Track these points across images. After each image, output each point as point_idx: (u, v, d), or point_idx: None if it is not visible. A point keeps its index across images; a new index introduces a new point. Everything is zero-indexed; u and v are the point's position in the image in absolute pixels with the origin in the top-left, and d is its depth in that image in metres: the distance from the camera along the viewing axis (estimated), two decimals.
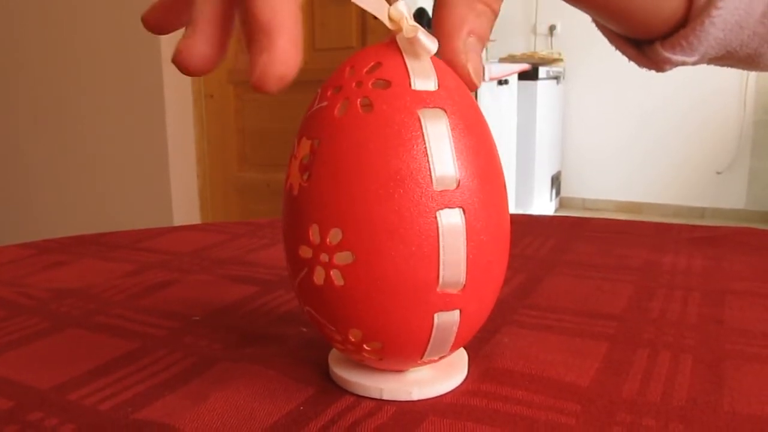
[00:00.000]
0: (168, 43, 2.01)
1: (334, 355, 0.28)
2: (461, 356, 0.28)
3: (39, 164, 2.44)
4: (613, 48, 0.39)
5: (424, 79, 0.23)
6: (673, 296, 0.37)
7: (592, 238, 0.51)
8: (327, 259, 0.23)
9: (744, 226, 0.54)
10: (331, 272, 0.23)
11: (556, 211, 3.83)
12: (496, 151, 0.25)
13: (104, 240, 0.52)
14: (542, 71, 3.24)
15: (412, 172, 0.22)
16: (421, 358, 0.25)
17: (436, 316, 0.23)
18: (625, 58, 0.39)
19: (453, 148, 0.23)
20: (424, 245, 0.22)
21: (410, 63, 0.23)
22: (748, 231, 0.52)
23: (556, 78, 3.57)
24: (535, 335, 0.32)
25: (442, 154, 0.22)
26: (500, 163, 0.25)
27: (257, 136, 2.37)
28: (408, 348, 0.24)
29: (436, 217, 0.22)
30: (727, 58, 0.36)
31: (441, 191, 0.22)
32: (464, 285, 0.23)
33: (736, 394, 0.26)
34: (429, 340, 0.24)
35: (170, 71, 2.17)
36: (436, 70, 0.23)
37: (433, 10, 0.25)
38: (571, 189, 3.95)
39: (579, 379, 0.27)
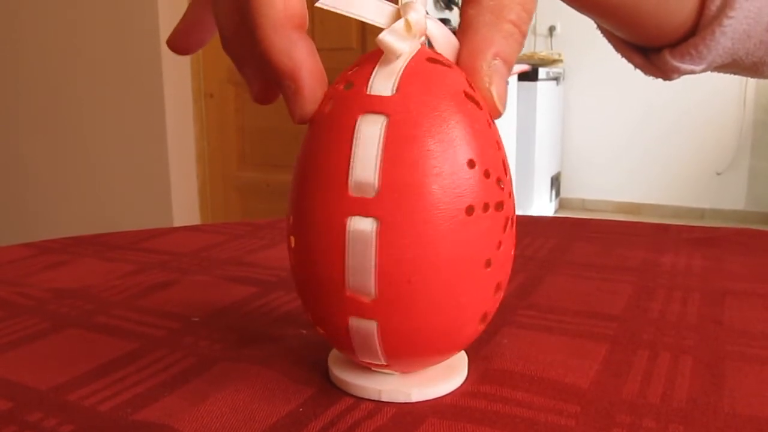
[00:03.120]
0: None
1: (333, 356, 0.28)
2: (461, 357, 0.28)
3: (38, 163, 2.44)
4: (619, 55, 0.38)
5: (382, 83, 0.23)
6: (673, 297, 0.37)
7: (592, 238, 0.51)
8: (289, 240, 0.25)
9: (743, 226, 0.54)
10: (290, 252, 0.25)
11: (555, 211, 3.84)
12: (476, 172, 0.22)
13: (104, 240, 0.52)
14: (542, 72, 3.24)
15: (333, 174, 0.22)
16: (360, 359, 0.25)
17: (351, 319, 0.23)
18: (625, 60, 0.39)
19: (381, 156, 0.22)
20: (334, 245, 0.23)
21: (379, 67, 0.23)
22: (748, 232, 0.52)
23: (556, 79, 3.57)
24: (534, 336, 0.32)
25: (365, 160, 0.22)
26: (474, 183, 0.22)
27: (257, 135, 2.37)
28: (340, 344, 0.25)
29: (345, 221, 0.22)
30: (732, 66, 0.36)
31: (356, 197, 0.22)
32: (376, 296, 0.23)
33: (736, 395, 0.26)
34: (351, 343, 0.24)
35: (170, 70, 2.17)
36: (409, 76, 0.23)
37: (458, 32, 0.24)
38: (570, 190, 3.95)
39: (579, 380, 0.27)
